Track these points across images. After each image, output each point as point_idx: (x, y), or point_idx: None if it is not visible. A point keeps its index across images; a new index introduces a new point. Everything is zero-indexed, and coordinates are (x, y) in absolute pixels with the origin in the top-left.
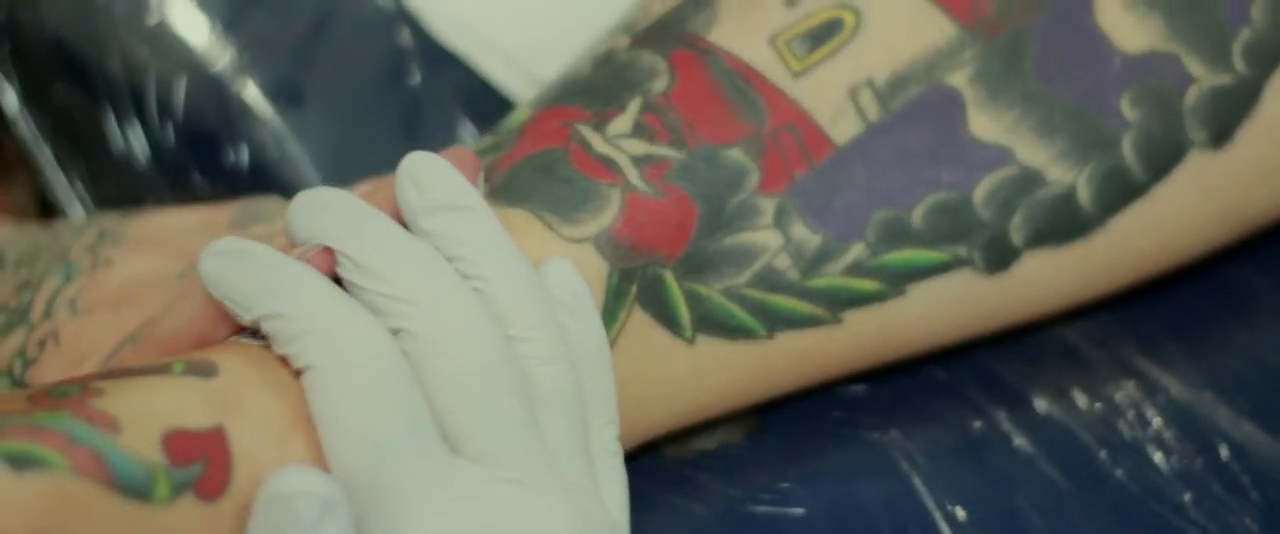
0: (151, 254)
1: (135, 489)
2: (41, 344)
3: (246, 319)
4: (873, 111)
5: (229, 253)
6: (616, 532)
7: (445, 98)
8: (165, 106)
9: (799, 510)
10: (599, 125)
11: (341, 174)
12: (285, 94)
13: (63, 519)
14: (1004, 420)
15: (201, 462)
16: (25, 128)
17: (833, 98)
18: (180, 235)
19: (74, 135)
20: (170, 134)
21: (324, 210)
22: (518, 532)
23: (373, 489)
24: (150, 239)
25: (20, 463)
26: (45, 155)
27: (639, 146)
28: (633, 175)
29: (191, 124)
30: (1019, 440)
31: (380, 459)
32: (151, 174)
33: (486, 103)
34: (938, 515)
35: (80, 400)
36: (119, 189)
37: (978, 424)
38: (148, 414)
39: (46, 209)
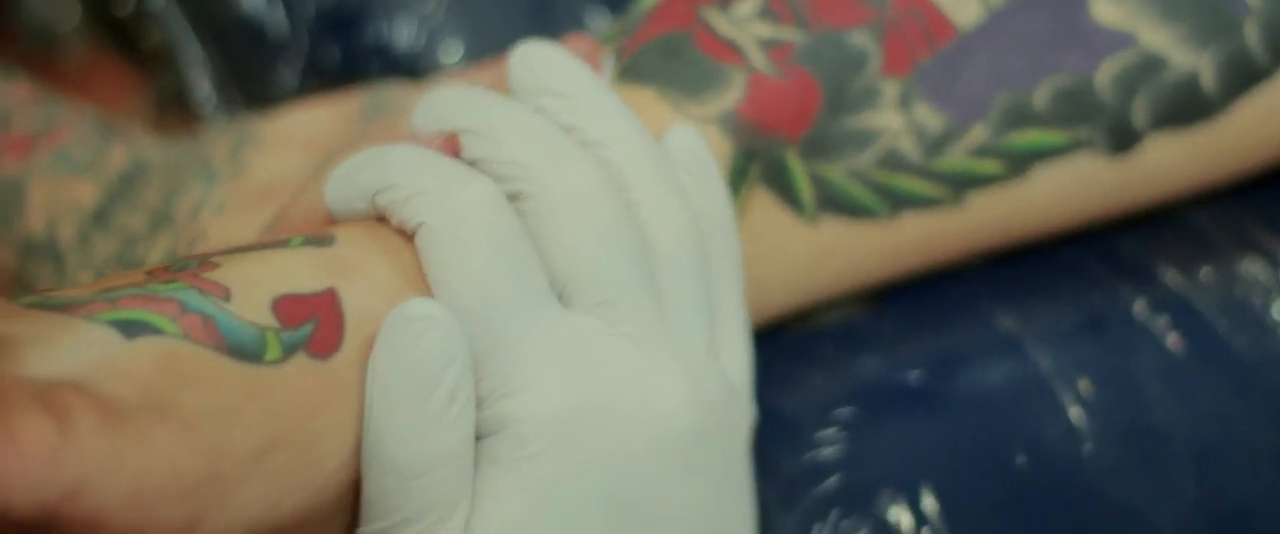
0: (288, 153)
1: (246, 351)
2: (191, 245)
3: (367, 206)
4: None
5: (343, 169)
6: (734, 395)
7: None
8: None
9: (915, 373)
10: (724, 8)
11: (475, 56)
12: None
13: (175, 383)
14: (1125, 293)
15: (312, 322)
16: (170, 20)
17: None
18: (314, 132)
19: (215, 21)
20: (310, 10)
21: (444, 100)
22: (628, 385)
23: (483, 342)
24: (286, 139)
25: (132, 330)
26: (189, 45)
27: (763, 29)
28: (757, 57)
29: (331, 3)
30: (1138, 311)
31: (491, 313)
32: (289, 51)
33: None
34: (1058, 384)
35: (195, 273)
36: (257, 68)
37: (1098, 297)
38: (259, 282)
39: (187, 100)
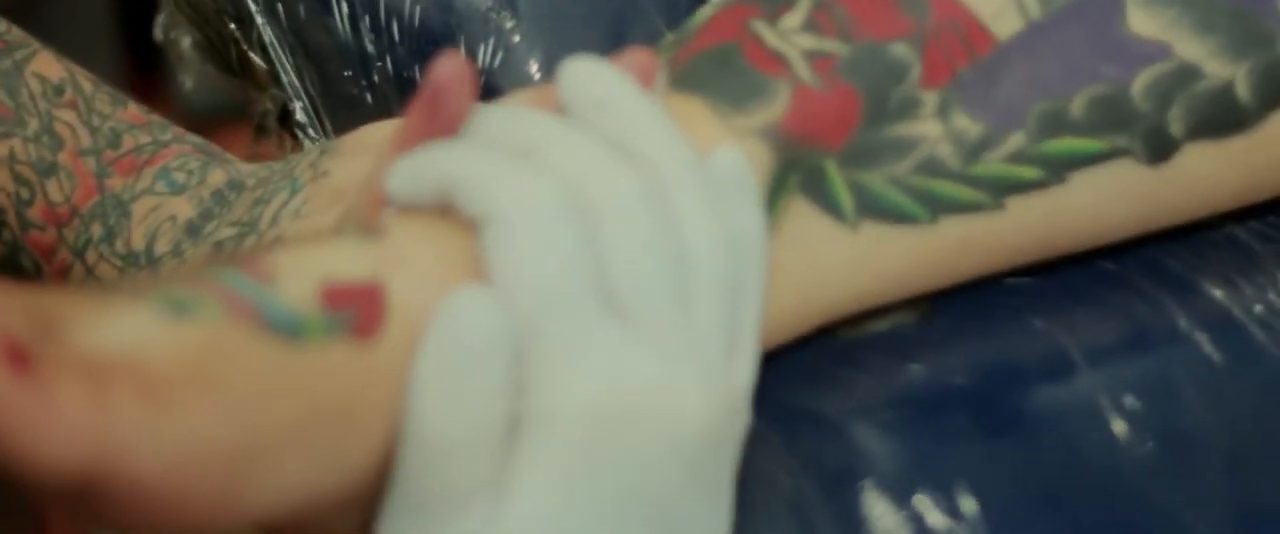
0: (363, 159)
1: (286, 332)
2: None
3: (430, 193)
4: (1034, 9)
5: (408, 162)
6: (739, 410)
7: (650, 8)
8: (393, 9)
9: (961, 379)
10: (773, 20)
11: (553, 75)
12: (507, 1)
13: (215, 360)
14: (1169, 305)
15: (356, 308)
16: (272, 45)
17: None
18: (387, 138)
19: (309, 45)
20: (395, 33)
21: (489, 115)
22: (654, 393)
23: (529, 333)
24: (362, 146)
25: (178, 308)
26: (286, 68)
27: (808, 41)
28: (802, 69)
29: (417, 25)
30: (1181, 323)
31: (544, 305)
32: (375, 72)
33: (691, 14)
34: (1101, 394)
35: (246, 260)
36: (345, 89)
37: (1142, 309)
38: (305, 267)
39: (284, 118)
